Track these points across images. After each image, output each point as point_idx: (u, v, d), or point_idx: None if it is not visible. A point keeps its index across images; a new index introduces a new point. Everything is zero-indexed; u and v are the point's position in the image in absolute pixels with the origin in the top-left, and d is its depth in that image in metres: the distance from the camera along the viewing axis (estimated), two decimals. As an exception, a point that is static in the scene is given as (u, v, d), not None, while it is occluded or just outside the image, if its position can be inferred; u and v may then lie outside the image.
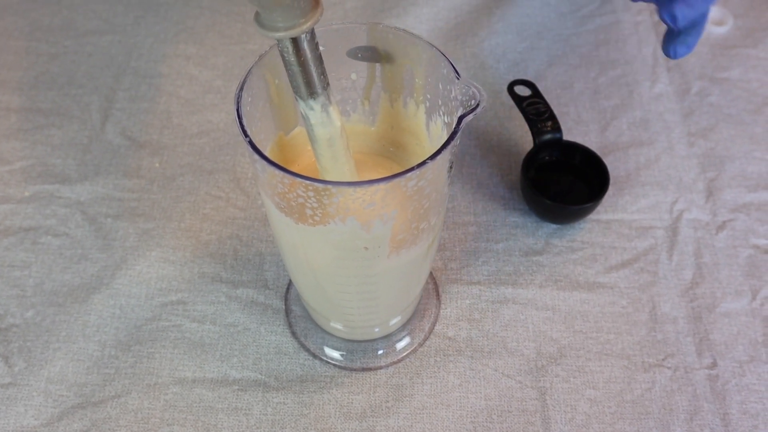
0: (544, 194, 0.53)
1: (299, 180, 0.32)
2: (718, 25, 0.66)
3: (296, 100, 0.35)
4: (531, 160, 0.55)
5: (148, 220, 0.54)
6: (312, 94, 0.34)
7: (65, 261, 0.52)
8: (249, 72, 0.36)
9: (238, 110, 0.35)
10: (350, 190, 0.33)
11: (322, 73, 0.34)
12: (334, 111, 0.35)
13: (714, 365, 0.48)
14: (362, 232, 0.35)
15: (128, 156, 0.58)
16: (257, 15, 0.32)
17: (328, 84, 0.35)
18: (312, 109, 0.35)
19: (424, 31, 0.66)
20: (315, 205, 0.34)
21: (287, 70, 0.34)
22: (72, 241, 0.53)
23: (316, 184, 0.32)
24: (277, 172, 0.33)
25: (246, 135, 0.34)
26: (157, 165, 0.57)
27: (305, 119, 0.36)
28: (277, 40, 0.32)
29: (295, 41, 0.32)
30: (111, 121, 0.60)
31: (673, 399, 0.46)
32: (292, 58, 0.33)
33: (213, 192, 0.56)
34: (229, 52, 0.65)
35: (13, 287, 0.51)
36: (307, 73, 0.34)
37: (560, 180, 0.55)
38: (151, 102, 0.61)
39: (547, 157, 0.56)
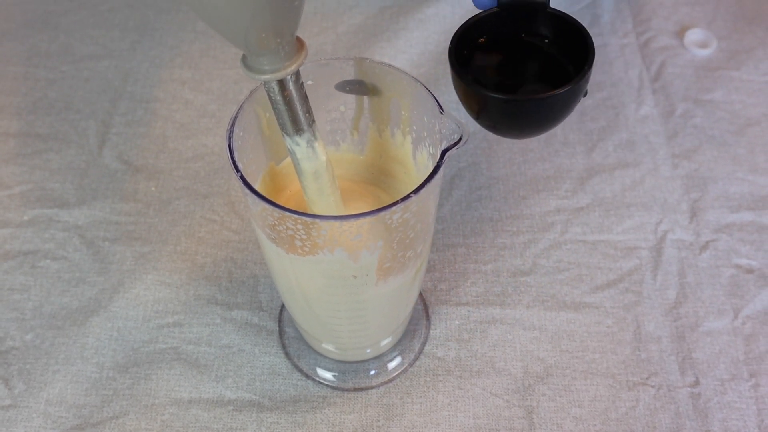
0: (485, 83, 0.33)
1: (288, 214, 0.34)
2: (701, 47, 0.67)
3: (283, 136, 0.37)
4: (471, 32, 0.35)
5: (145, 243, 0.55)
6: (298, 131, 0.36)
7: (64, 284, 0.54)
8: (240, 107, 0.38)
9: (229, 145, 0.36)
10: (337, 223, 0.34)
11: (308, 110, 0.36)
12: (319, 146, 0.37)
13: (696, 383, 0.49)
14: (350, 262, 0.36)
15: (125, 180, 0.59)
16: (244, 58, 0.33)
17: (313, 121, 0.36)
18: (298, 144, 0.36)
19: (414, 54, 0.67)
20: (304, 236, 0.35)
21: (273, 108, 0.35)
22: (70, 264, 0.54)
23: (304, 218, 0.34)
24: (267, 206, 0.34)
25: (237, 170, 0.35)
26: (153, 189, 0.59)
27: (292, 154, 0.37)
28: (264, 82, 0.34)
29: (281, 82, 0.34)
30: (108, 146, 0.61)
31: (656, 417, 0.48)
32: (278, 98, 0.34)
33: (208, 215, 0.57)
34: (223, 76, 0.66)
35: (12, 310, 0.52)
36: (292, 112, 0.35)
37: (521, 66, 0.36)
38: (147, 126, 0.63)
39: (498, 33, 0.35)
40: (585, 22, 0.70)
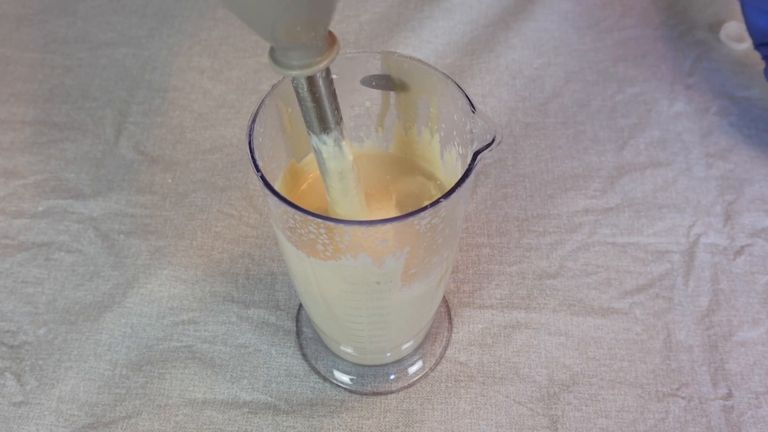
0: None
1: (311, 218, 0.32)
2: (738, 41, 0.65)
3: (309, 134, 0.35)
4: None
5: (160, 237, 0.54)
6: (325, 129, 0.34)
7: (77, 278, 0.52)
8: (262, 103, 0.36)
9: (250, 143, 0.34)
10: (362, 229, 0.32)
11: (336, 108, 0.34)
12: (346, 145, 0.35)
13: (729, 396, 0.47)
14: (374, 268, 0.35)
15: (141, 171, 0.58)
16: (272, 51, 0.32)
17: (341, 119, 0.35)
18: (325, 143, 0.35)
19: (439, 45, 0.65)
20: (327, 241, 0.33)
21: (301, 105, 0.33)
22: (84, 257, 0.53)
23: (328, 222, 0.32)
24: (289, 208, 0.32)
25: (258, 170, 0.33)
26: (169, 181, 0.57)
27: (317, 153, 0.35)
28: (292, 78, 0.32)
29: (311, 79, 0.32)
30: (124, 136, 0.60)
31: (686, 430, 0.46)
32: (307, 95, 0.33)
33: (225, 210, 0.55)
34: (243, 65, 0.64)
35: (26, 304, 0.51)
36: (321, 109, 0.33)
37: None
38: (164, 116, 0.61)
39: None
40: (616, 14, 0.68)
